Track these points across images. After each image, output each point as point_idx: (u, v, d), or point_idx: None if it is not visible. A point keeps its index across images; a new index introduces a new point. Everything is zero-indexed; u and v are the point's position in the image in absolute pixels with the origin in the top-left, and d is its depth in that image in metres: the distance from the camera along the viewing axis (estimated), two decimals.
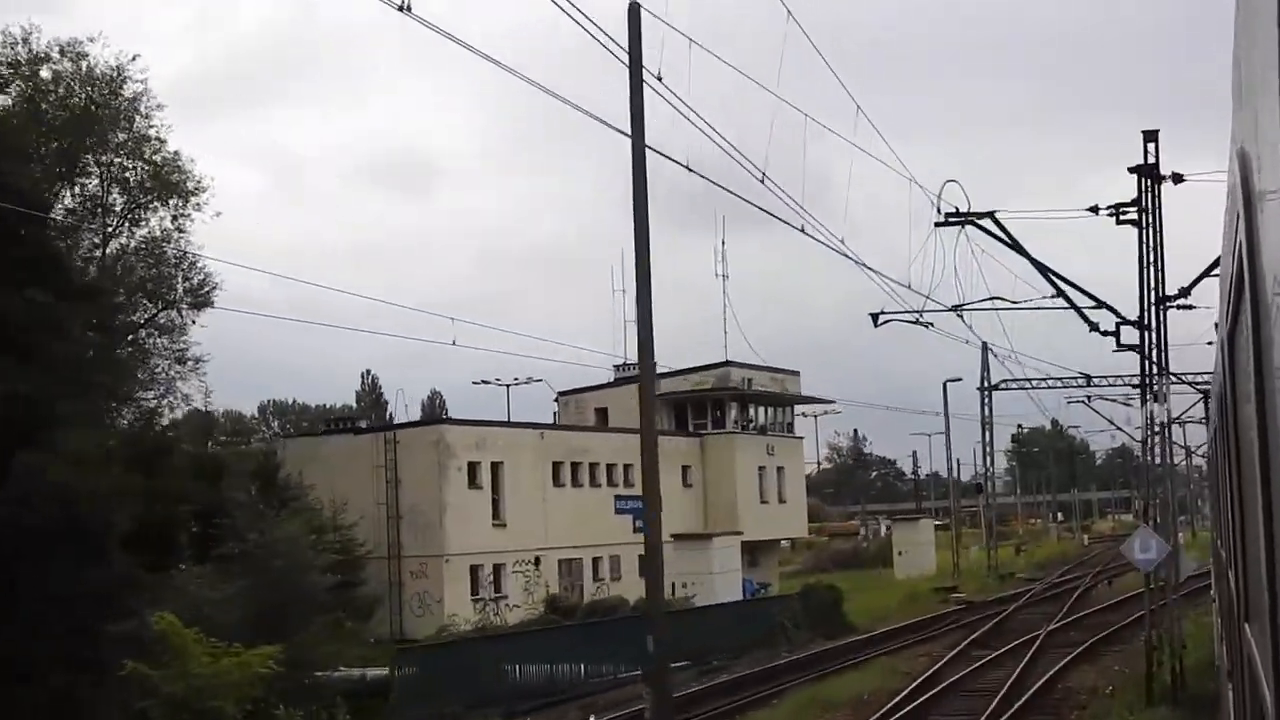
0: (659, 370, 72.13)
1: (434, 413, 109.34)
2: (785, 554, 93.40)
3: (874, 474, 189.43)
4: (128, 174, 49.35)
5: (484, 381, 75.64)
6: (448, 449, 53.56)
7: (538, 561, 57.42)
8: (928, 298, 28.64)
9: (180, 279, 50.37)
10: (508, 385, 74.17)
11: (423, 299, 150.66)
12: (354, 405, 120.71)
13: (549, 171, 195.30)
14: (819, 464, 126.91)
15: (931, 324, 30.61)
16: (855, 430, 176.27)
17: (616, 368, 71.46)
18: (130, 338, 49.71)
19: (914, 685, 28.25)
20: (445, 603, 52.28)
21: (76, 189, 48.15)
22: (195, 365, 49.22)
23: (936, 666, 31.75)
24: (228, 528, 39.08)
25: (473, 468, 54.59)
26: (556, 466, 59.29)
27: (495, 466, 55.76)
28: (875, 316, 30.64)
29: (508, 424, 57.27)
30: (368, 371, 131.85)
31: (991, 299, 29.29)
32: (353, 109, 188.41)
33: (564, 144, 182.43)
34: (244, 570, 36.71)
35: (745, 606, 44.17)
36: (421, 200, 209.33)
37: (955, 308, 29.37)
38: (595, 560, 60.78)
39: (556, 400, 73.04)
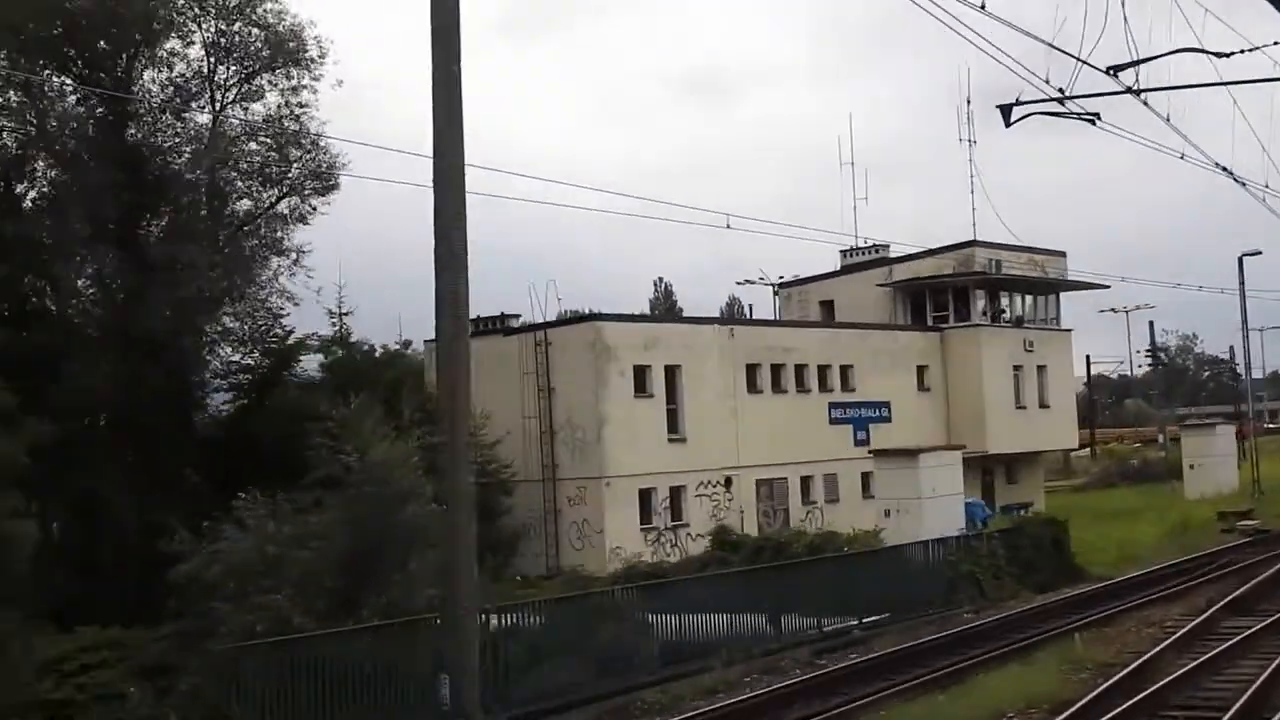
0: (891, 253, 61.98)
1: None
2: (1059, 468, 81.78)
3: (1205, 374, 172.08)
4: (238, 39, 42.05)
5: (747, 281, 66.35)
6: (606, 350, 45.11)
7: (729, 482, 48.65)
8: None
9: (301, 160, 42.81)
10: (773, 285, 64.73)
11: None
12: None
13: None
14: (1129, 363, 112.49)
15: (1096, 116, 20.18)
16: (1176, 330, 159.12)
17: (843, 253, 61.59)
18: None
19: (1091, 695, 18.30)
20: (607, 533, 44.19)
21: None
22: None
23: (1152, 652, 21.60)
24: (322, 448, 31.76)
25: (640, 372, 46.02)
26: (752, 370, 50.08)
27: (671, 371, 47.05)
28: (1006, 110, 20.15)
29: (684, 319, 48.34)
30: (660, 280, 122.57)
31: None
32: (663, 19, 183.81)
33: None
34: (334, 500, 29.39)
35: (919, 552, 33.94)
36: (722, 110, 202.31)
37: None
38: (805, 480, 51.50)
39: (776, 294, 63.68)
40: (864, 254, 61.82)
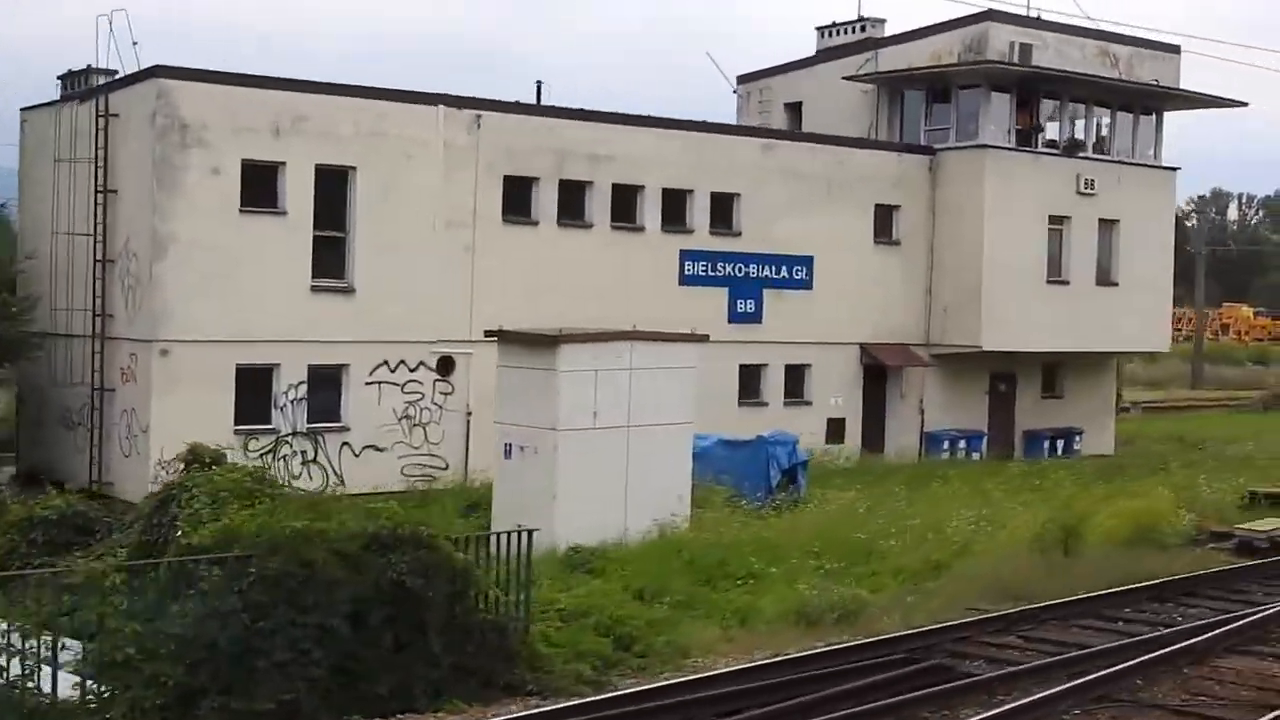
0: (881, 32, 38.43)
1: None
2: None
3: None
4: None
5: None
6: (180, 129, 26.81)
7: (445, 366, 29.93)
8: None
9: None
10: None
11: None
12: None
13: None
14: None
15: None
16: None
17: (821, 31, 40.75)
18: None
19: None
20: (153, 432, 26.35)
21: None
22: None
23: None
24: None
25: (259, 173, 27.60)
26: (517, 186, 30.85)
27: (331, 175, 28.44)
28: None
29: (372, 91, 29.05)
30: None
31: None
32: None
33: None
34: None
35: None
36: None
37: None
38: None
39: (736, 91, 43.09)
40: (848, 33, 40.72)
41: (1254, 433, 47.22)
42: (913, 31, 38.45)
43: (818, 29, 41.41)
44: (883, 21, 40.10)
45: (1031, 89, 37.15)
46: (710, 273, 33.50)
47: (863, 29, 40.15)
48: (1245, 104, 41.54)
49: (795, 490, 25.29)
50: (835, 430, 35.71)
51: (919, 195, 37.08)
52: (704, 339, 23.39)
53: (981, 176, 36.35)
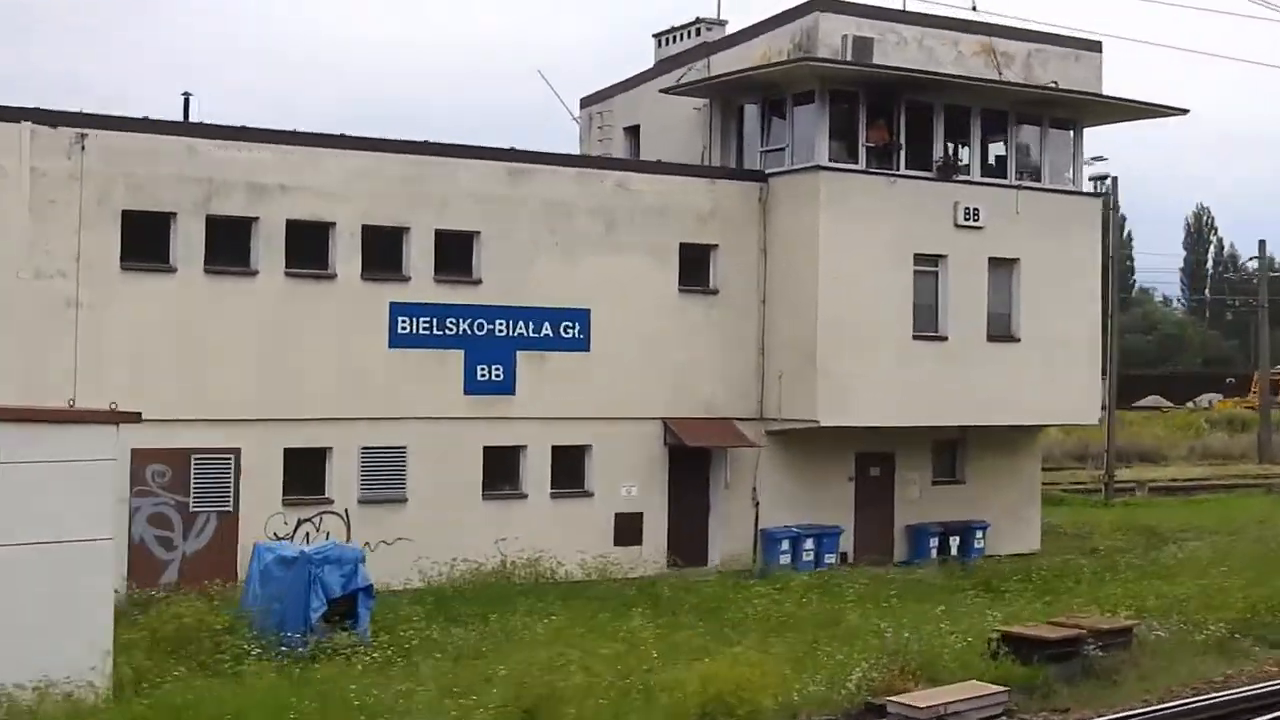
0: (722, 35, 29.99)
1: None
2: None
3: None
4: None
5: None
6: None
7: None
8: None
9: None
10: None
11: None
12: None
13: None
14: None
15: None
16: None
17: (659, 39, 33.70)
18: None
19: None
20: None
21: None
22: None
23: None
24: None
25: None
26: (144, 223, 24.17)
27: None
28: None
29: None
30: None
31: None
32: None
33: None
34: None
35: None
36: None
37: None
38: (313, 456, 25.37)
39: (576, 119, 35.96)
40: (686, 38, 33.50)
41: (1260, 519, 38.65)
42: (744, 31, 31.12)
43: (655, 36, 34.23)
44: (723, 23, 32.77)
45: (888, 96, 29.45)
46: (435, 331, 26.35)
47: (698, 33, 32.87)
48: (1184, 111, 33.04)
49: (355, 629, 17.92)
50: (628, 529, 28.16)
51: (745, 232, 29.57)
52: (131, 418, 16.18)
53: (815, 206, 28.70)
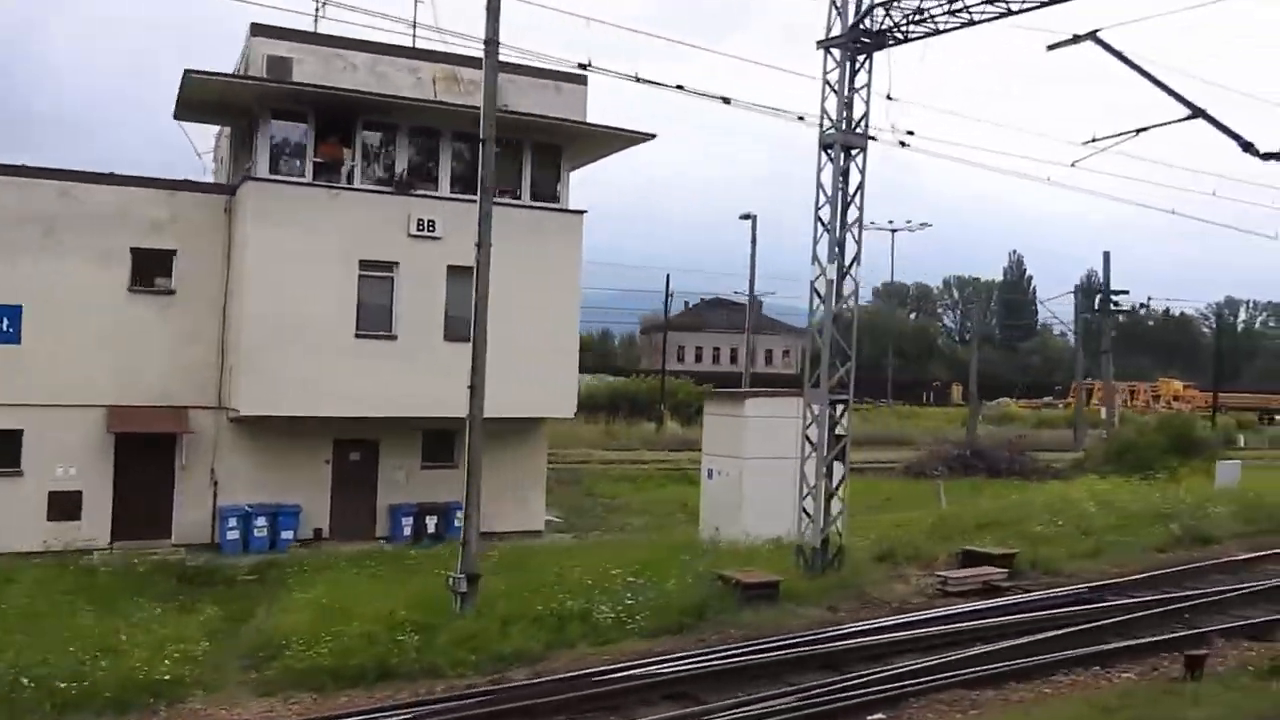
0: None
1: None
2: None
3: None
4: None
5: None
6: None
7: None
8: None
9: None
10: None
11: None
12: None
13: None
14: None
15: None
16: None
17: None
18: None
19: None
20: None
21: None
22: None
23: None
24: None
25: None
26: None
27: None
28: None
29: None
30: None
31: None
32: None
33: None
34: None
35: None
36: None
37: None
38: None
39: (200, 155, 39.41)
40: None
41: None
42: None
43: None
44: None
45: (347, 117, 32.24)
46: None
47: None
48: (652, 136, 35.12)
49: None
50: (64, 506, 31.19)
51: (210, 239, 32.65)
52: None
53: (246, 215, 31.60)
